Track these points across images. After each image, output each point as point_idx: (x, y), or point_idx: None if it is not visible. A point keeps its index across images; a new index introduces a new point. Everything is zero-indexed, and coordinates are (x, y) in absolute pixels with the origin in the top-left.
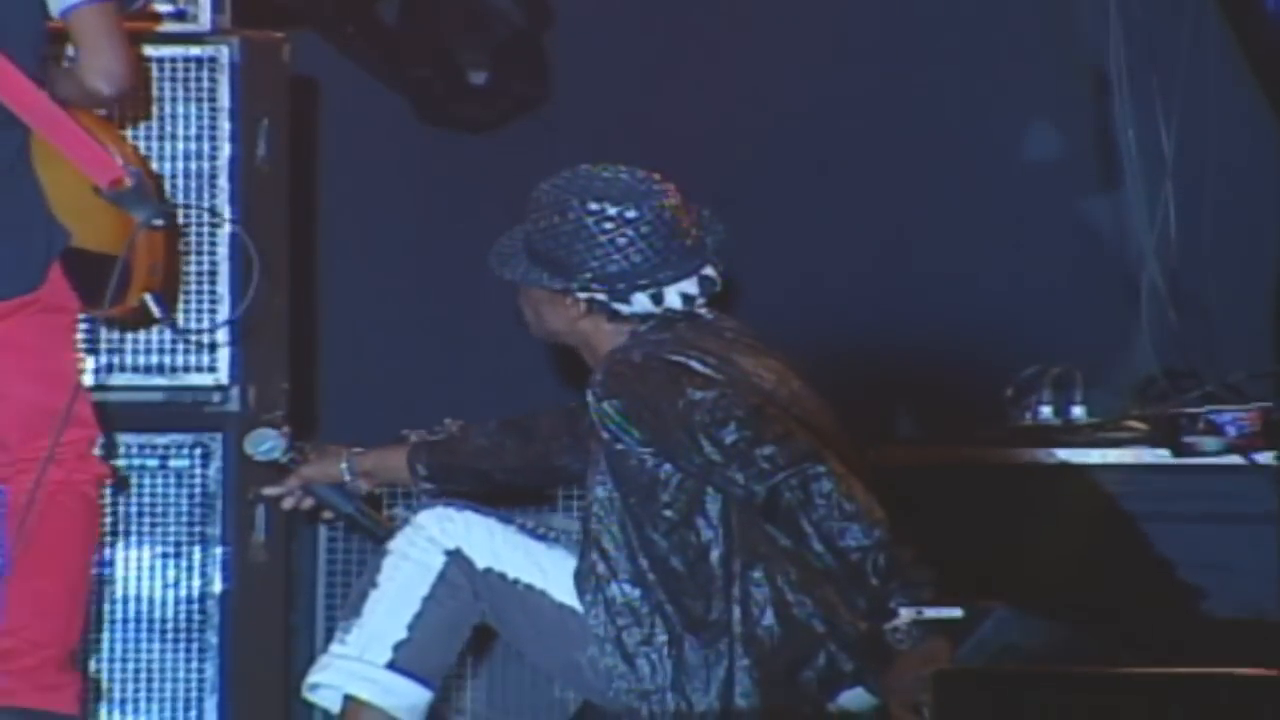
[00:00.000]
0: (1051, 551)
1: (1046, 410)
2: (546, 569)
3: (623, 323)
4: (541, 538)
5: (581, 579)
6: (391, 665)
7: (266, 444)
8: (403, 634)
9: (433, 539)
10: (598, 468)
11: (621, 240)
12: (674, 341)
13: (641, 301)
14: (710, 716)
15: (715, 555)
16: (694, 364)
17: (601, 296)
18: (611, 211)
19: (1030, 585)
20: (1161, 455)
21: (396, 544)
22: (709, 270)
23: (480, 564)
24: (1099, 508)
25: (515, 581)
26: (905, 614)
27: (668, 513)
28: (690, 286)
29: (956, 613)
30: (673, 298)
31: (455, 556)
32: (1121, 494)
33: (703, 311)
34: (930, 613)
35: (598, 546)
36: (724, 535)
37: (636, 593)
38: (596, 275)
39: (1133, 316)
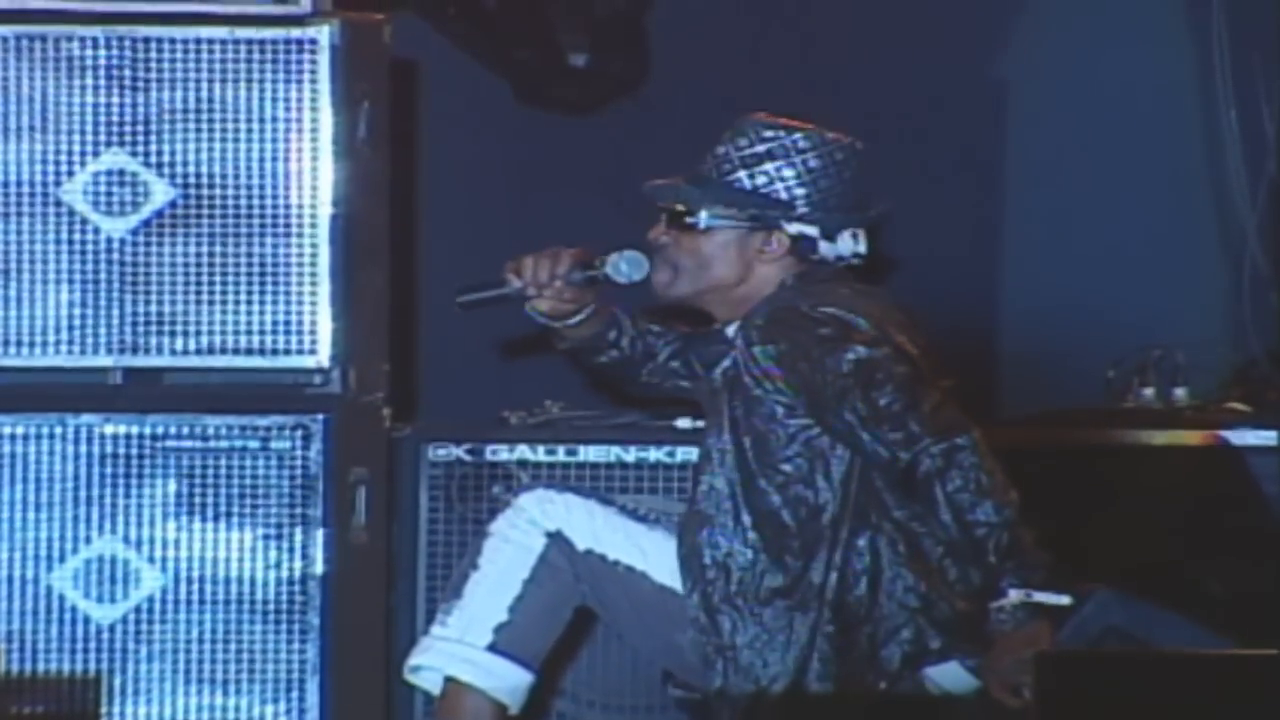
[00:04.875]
0: (1152, 534)
1: (1148, 392)
2: (647, 550)
3: (813, 265)
4: (642, 519)
5: (683, 528)
6: (492, 647)
7: (640, 269)
8: (503, 616)
9: (534, 521)
10: (718, 418)
11: (846, 174)
12: (837, 298)
13: (846, 242)
14: (784, 678)
15: (827, 517)
16: (859, 321)
17: (813, 232)
18: (838, 154)
19: (1131, 568)
20: (1264, 437)
21: (497, 526)
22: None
23: (581, 546)
24: (1200, 490)
25: (616, 563)
26: (1014, 595)
27: (785, 466)
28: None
29: (1065, 600)
30: (861, 243)
31: (556, 538)
32: (1223, 477)
33: (858, 267)
34: (1038, 596)
35: (705, 498)
36: (840, 499)
37: (733, 546)
38: (817, 207)
39: (1234, 298)
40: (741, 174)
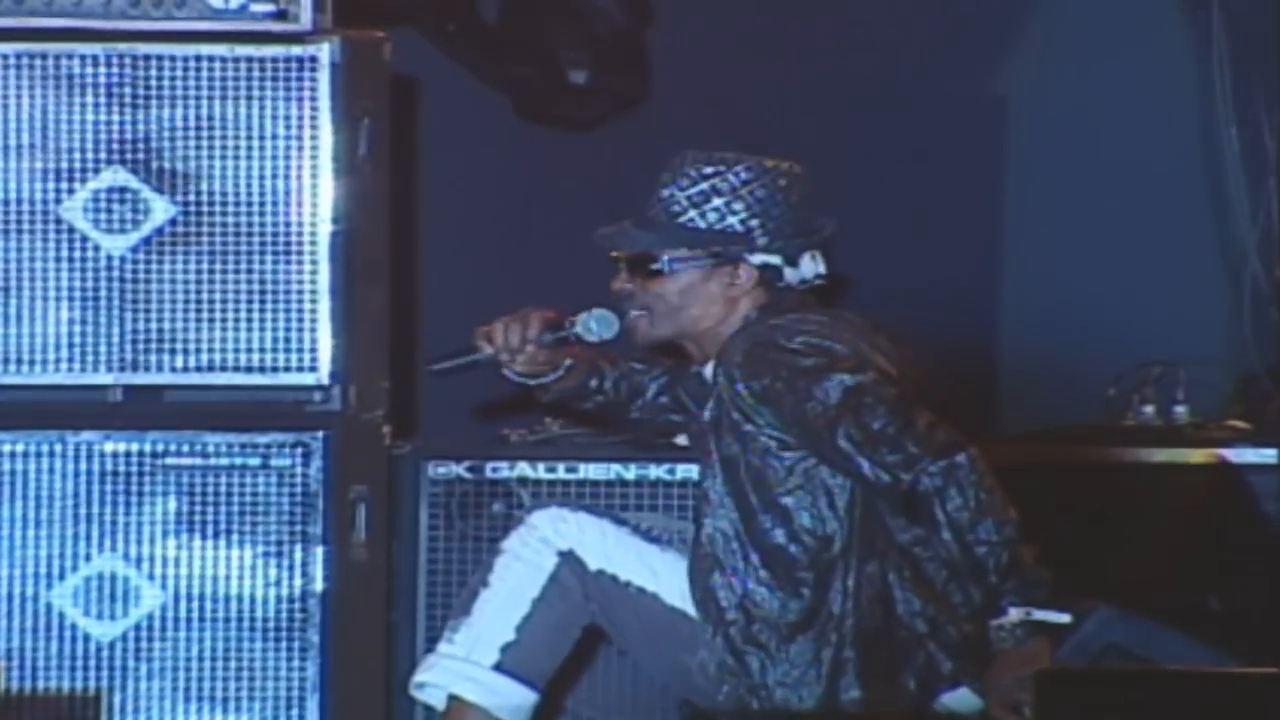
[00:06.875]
0: (1152, 551)
1: (1149, 409)
2: (658, 572)
3: (776, 295)
4: (654, 540)
5: (693, 572)
6: (498, 667)
7: (610, 328)
8: (510, 636)
9: (546, 540)
10: (709, 459)
11: (793, 198)
12: (810, 326)
13: (807, 265)
14: (820, 709)
15: (837, 546)
16: (838, 348)
17: (776, 260)
18: (781, 180)
19: (1131, 585)
20: (1264, 455)
21: (509, 544)
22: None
23: (592, 565)
24: (1201, 508)
25: (627, 584)
26: (1014, 613)
27: (787, 499)
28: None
29: (1065, 618)
30: (821, 263)
31: (568, 558)
32: (1224, 494)
33: (822, 288)
34: (1039, 614)
35: (710, 541)
36: (848, 527)
37: (747, 586)
38: (775, 235)
39: (1235, 315)
40: (692, 213)
